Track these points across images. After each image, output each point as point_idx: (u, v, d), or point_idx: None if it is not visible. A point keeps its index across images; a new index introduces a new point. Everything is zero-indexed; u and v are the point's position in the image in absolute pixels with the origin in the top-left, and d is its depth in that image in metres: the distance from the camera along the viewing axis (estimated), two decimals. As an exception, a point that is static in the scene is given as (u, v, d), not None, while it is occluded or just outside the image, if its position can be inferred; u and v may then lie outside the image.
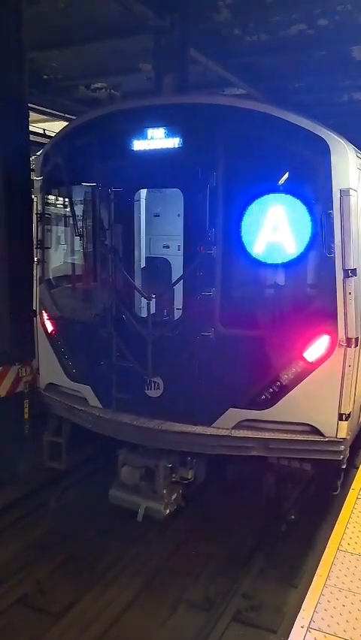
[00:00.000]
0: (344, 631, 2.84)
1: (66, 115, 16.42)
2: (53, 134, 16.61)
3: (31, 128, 10.01)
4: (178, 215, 5.59)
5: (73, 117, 17.14)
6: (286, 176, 4.83)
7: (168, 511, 5.25)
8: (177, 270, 5.85)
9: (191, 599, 5.06)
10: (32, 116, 12.30)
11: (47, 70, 12.42)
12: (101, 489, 5.84)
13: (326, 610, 2.99)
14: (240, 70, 12.26)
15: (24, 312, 7.16)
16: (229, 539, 5.82)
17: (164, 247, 6.49)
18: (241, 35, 10.72)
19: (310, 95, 14.82)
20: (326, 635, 2.81)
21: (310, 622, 2.91)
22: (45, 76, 12.73)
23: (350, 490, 4.35)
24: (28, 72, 8.09)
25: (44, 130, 17.88)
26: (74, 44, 10.92)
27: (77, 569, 5.38)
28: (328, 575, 3.29)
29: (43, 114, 15.91)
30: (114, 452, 5.60)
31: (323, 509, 5.28)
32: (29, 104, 8.57)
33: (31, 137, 9.73)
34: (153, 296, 5.27)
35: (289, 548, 5.44)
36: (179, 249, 5.62)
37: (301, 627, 2.87)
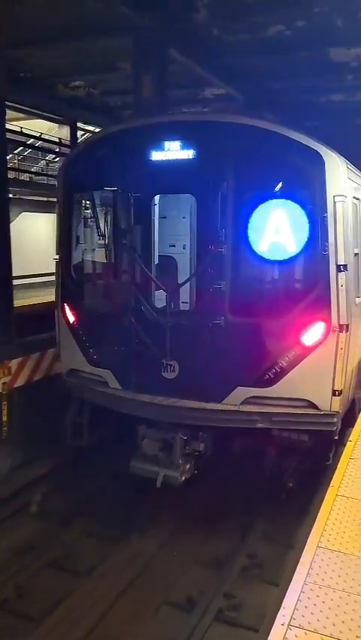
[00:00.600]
0: (324, 627, 2.84)
1: (44, 113, 16.31)
2: (30, 132, 16.46)
3: (7, 126, 9.91)
4: (183, 218, 6.56)
5: (51, 115, 17.12)
6: (280, 185, 5.62)
7: (183, 478, 5.89)
8: (182, 267, 6.65)
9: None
10: (9, 114, 12.23)
11: (24, 68, 12.29)
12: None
13: (306, 607, 3.00)
14: (219, 70, 12.29)
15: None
16: (234, 506, 6.65)
17: (170, 246, 7.05)
18: (219, 35, 10.73)
19: (289, 96, 14.93)
20: (307, 631, 2.81)
21: (290, 619, 2.90)
22: (22, 74, 12.59)
23: (330, 487, 4.37)
24: (4, 70, 8.02)
25: (21, 128, 17.74)
26: (52, 42, 10.84)
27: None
28: (308, 572, 3.29)
29: (20, 112, 15.79)
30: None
31: (317, 481, 5.86)
32: (6, 102, 8.49)
33: (8, 135, 9.64)
34: (165, 288, 6.07)
35: (289, 514, 6.25)
36: (184, 248, 6.55)
37: (282, 625, 2.87)
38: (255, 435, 5.96)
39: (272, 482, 6.30)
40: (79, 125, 18.90)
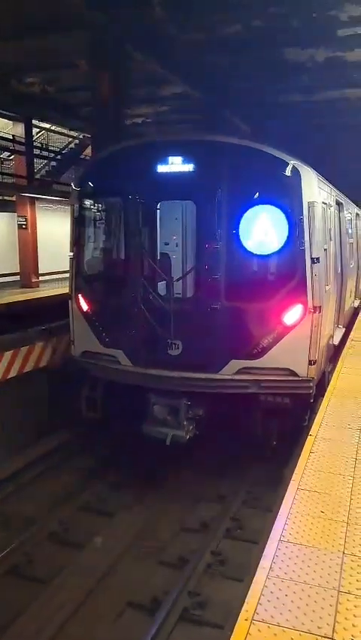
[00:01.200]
0: (287, 620, 2.85)
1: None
2: None
3: None
4: (176, 219, 7.63)
5: (4, 112, 16.83)
6: (257, 194, 6.70)
7: (188, 437, 6.94)
8: (174, 262, 7.72)
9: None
10: None
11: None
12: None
13: (269, 601, 3.00)
14: (177, 68, 12.30)
15: None
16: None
17: (165, 244, 7.83)
18: (177, 34, 10.74)
19: (248, 96, 15.05)
20: (270, 625, 2.82)
21: (253, 614, 2.90)
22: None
23: (291, 480, 4.42)
24: None
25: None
26: (5, 39, 10.65)
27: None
28: (270, 567, 3.30)
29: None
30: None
31: (295, 442, 6.51)
32: None
33: None
34: (168, 280, 7.14)
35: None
36: (177, 246, 7.65)
37: (245, 620, 2.86)
38: (245, 400, 6.97)
39: (259, 441, 7.38)
40: (34, 122, 18.66)
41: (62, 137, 22.80)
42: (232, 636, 2.77)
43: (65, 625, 4.80)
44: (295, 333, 6.63)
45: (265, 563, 3.35)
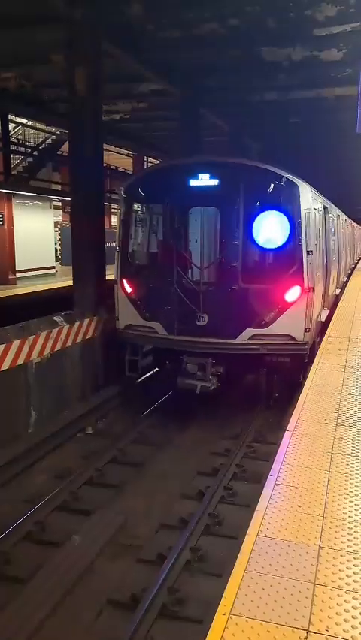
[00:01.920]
0: (264, 613, 2.89)
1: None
2: None
3: None
4: (195, 220, 9.04)
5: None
6: (266, 203, 8.62)
7: (212, 388, 8.66)
8: (195, 254, 9.13)
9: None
10: None
11: None
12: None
13: (246, 595, 3.04)
14: (155, 65, 12.29)
15: None
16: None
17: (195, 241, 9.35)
18: (154, 30, 10.73)
19: (225, 93, 15.11)
20: (247, 619, 2.85)
21: (231, 608, 2.93)
22: None
23: (269, 476, 4.46)
24: None
25: None
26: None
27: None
28: (248, 561, 3.34)
29: None
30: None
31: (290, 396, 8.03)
32: None
33: None
34: (198, 267, 8.94)
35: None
36: (196, 241, 9.04)
37: (223, 615, 2.89)
38: (255, 360, 8.89)
39: (263, 393, 9.48)
40: (10, 117, 18.45)
41: (39, 132, 22.61)
42: (209, 630, 2.80)
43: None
44: (294, 308, 8.51)
45: (242, 558, 3.39)
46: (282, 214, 8.52)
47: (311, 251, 8.68)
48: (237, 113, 17.78)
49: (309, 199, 8.94)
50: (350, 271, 22.45)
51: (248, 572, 3.23)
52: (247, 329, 8.57)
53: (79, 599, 4.84)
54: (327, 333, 10.34)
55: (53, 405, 8.82)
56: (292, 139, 22.01)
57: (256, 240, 8.61)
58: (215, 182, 8.62)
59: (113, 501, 6.55)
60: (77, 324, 9.54)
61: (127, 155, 27.97)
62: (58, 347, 8.95)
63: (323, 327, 10.64)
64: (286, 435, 5.34)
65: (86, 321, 9.83)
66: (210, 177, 8.63)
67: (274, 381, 9.25)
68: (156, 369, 10.49)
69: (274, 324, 8.53)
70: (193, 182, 8.70)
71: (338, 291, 15.48)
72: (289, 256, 8.60)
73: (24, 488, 6.83)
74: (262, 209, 8.58)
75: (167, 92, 14.05)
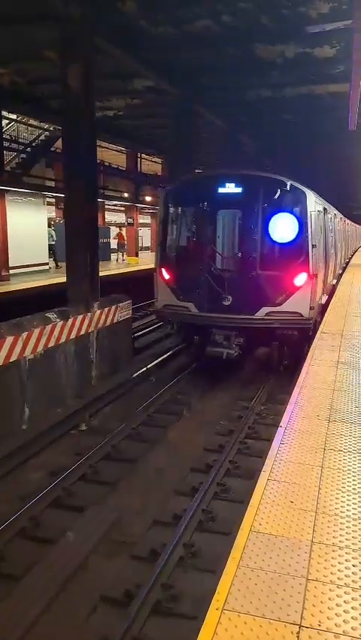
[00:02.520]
0: (257, 608, 2.91)
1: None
2: None
3: None
4: (222, 220, 10.87)
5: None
6: (273, 206, 10.44)
7: (235, 355, 10.49)
8: (222, 247, 11.02)
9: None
10: None
11: None
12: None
13: (239, 590, 3.06)
14: (149, 62, 12.25)
15: None
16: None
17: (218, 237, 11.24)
18: (147, 27, 10.70)
19: (218, 91, 15.08)
20: (240, 614, 2.87)
21: (224, 604, 2.95)
22: None
23: (262, 472, 4.48)
24: None
25: None
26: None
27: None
28: (241, 557, 3.36)
29: None
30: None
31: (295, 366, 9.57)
32: None
33: None
34: (225, 257, 10.89)
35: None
36: (222, 237, 10.90)
37: (216, 609, 2.91)
38: (268, 333, 10.77)
39: (275, 361, 11.46)
40: (4, 114, 18.35)
41: (32, 128, 22.51)
42: (203, 626, 2.82)
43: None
44: (301, 290, 10.26)
45: (235, 553, 3.41)
46: (292, 215, 10.39)
47: (315, 245, 10.63)
48: (231, 110, 17.76)
49: (313, 203, 10.88)
50: (344, 265, 25.23)
51: (241, 568, 3.25)
52: (263, 307, 10.37)
53: (73, 595, 4.86)
54: (320, 329, 10.38)
55: (46, 401, 8.81)
56: (288, 136, 22.03)
57: (271, 235, 10.40)
58: (239, 190, 10.50)
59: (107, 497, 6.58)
60: (70, 320, 9.54)
61: (120, 151, 27.91)
62: (52, 343, 8.95)
63: (323, 309, 12.38)
64: (279, 431, 5.36)
65: (80, 317, 9.83)
66: (235, 186, 10.50)
67: (284, 351, 11.34)
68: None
69: (286, 303, 10.33)
70: (221, 190, 10.57)
71: (334, 282, 17.44)
72: (297, 249, 10.39)
73: (18, 485, 6.83)
74: (276, 212, 10.37)
75: (160, 88, 14.03)
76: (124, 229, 32.82)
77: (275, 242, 10.47)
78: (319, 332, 10.06)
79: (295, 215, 10.35)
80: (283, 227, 10.36)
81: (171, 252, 11.52)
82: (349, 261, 29.02)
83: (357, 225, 38.46)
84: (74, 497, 6.49)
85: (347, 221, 28.40)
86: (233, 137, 20.24)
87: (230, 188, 10.51)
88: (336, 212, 19.32)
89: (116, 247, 31.23)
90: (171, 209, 11.56)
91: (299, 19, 10.05)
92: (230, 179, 10.63)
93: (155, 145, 25.94)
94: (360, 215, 50.37)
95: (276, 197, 10.34)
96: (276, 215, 10.34)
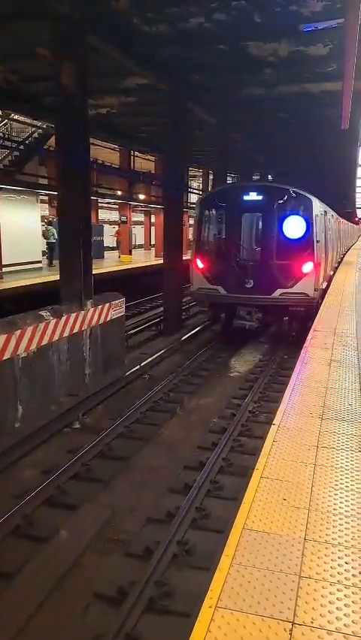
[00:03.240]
0: (250, 606, 2.92)
1: None
2: None
3: None
4: (246, 220, 13.48)
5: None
6: (286, 210, 13.09)
7: (256, 326, 13.71)
8: (246, 242, 13.70)
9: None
10: None
11: None
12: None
13: (232, 588, 3.06)
14: (141, 60, 12.22)
15: None
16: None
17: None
18: (140, 25, 10.67)
19: (211, 88, 15.07)
20: (233, 612, 2.88)
21: (217, 601, 2.96)
22: None
23: (255, 470, 4.49)
24: None
25: None
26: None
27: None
28: (234, 554, 3.37)
29: None
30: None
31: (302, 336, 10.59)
32: None
33: None
34: (249, 250, 13.69)
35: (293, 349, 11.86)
36: (242, 235, 13.51)
37: (209, 607, 2.92)
38: (281, 309, 13.48)
39: (286, 333, 14.70)
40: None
41: (24, 126, 22.41)
42: (196, 623, 2.83)
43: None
44: (308, 276, 12.77)
45: (228, 550, 3.41)
46: (301, 217, 12.97)
47: (319, 240, 13.35)
48: (224, 108, 17.76)
49: (317, 207, 13.64)
50: (339, 259, 28.29)
51: (234, 565, 3.26)
52: (278, 289, 12.94)
53: (67, 593, 4.86)
54: (313, 327, 10.40)
55: (39, 399, 8.81)
56: (281, 134, 22.05)
57: (284, 233, 12.97)
58: (260, 197, 13.23)
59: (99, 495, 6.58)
60: (64, 318, 9.52)
61: (114, 149, 27.85)
62: (45, 342, 8.93)
63: (323, 292, 14.22)
64: (272, 428, 5.37)
65: (73, 315, 9.82)
66: (257, 194, 13.30)
67: (293, 325, 14.45)
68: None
69: (295, 286, 12.86)
70: (245, 197, 13.37)
71: (331, 272, 19.53)
72: (305, 243, 12.93)
73: (11, 483, 6.82)
74: (289, 214, 13.02)
75: (153, 86, 14.00)
76: (119, 226, 32.91)
77: (288, 238, 12.99)
78: (312, 330, 10.09)
79: (303, 217, 12.95)
80: (293, 227, 12.94)
81: (204, 246, 14.17)
82: (341, 260, 29.77)
83: (349, 223, 41.43)
84: (68, 495, 6.48)
85: (342, 220, 30.27)
86: (226, 135, 20.23)
87: (252, 196, 13.32)
88: (333, 213, 22.01)
89: (115, 244, 32.40)
90: (205, 212, 14.26)
91: (292, 17, 10.06)
92: (253, 189, 13.74)
93: (148, 143, 25.91)
94: (351, 213, 51.94)
95: (289, 203, 13.04)
96: (289, 217, 13.02)
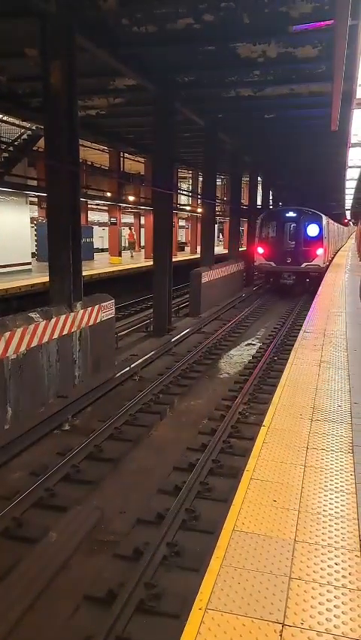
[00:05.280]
0: (240, 607, 2.92)
1: None
2: None
3: None
4: (287, 227, 25.16)
5: None
6: (308, 221, 25.58)
7: (292, 282, 25.35)
8: (287, 238, 25.43)
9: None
10: None
11: None
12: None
13: (222, 589, 3.07)
14: (130, 60, 12.19)
15: None
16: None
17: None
18: (129, 25, 10.65)
19: (199, 89, 15.09)
20: (223, 613, 2.88)
21: (207, 603, 2.96)
22: None
23: (245, 471, 4.50)
24: None
25: None
26: None
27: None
28: (224, 556, 3.37)
29: None
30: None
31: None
32: None
33: None
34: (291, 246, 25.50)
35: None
36: (285, 235, 25.13)
37: (199, 609, 2.92)
38: (305, 275, 24.95)
39: (305, 290, 24.79)
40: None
41: (13, 127, 22.27)
42: (186, 625, 2.82)
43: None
44: (319, 256, 24.37)
45: (218, 552, 3.42)
46: (316, 225, 24.49)
47: (325, 237, 24.72)
48: (212, 108, 17.79)
49: (324, 219, 25.18)
50: (336, 251, 40.98)
51: (224, 567, 3.26)
52: (304, 263, 24.32)
53: (56, 595, 4.83)
54: (303, 329, 10.44)
55: (29, 401, 8.77)
56: (269, 135, 22.12)
57: (307, 233, 24.36)
58: (294, 214, 24.77)
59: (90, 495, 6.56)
60: (53, 319, 9.48)
61: (103, 150, 27.80)
62: (34, 343, 8.89)
63: (328, 266, 25.29)
64: (262, 430, 5.38)
65: (63, 316, 9.78)
66: (293, 213, 24.97)
67: (311, 283, 24.04)
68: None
69: (313, 261, 24.27)
70: (286, 214, 24.95)
71: (332, 255, 31.89)
72: (318, 238, 24.32)
73: (0, 485, 6.77)
74: (309, 223, 24.49)
75: (142, 87, 13.98)
76: (133, 228, 42.39)
77: (308, 236, 24.54)
78: (302, 331, 10.13)
79: (317, 224, 24.68)
80: (312, 230, 24.56)
81: (263, 240, 25.46)
82: (340, 248, 45.77)
83: (341, 226, 54.40)
84: (57, 497, 6.45)
85: (335, 223, 39.97)
86: (214, 136, 20.27)
87: (290, 214, 25.09)
88: (330, 220, 31.95)
89: (126, 245, 39.52)
90: (265, 222, 25.57)
91: (281, 18, 10.07)
92: (290, 210, 25.56)
93: (138, 144, 25.89)
94: (340, 214, 54.76)
95: (310, 217, 24.86)
96: (309, 225, 24.64)
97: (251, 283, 28.77)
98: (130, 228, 43.07)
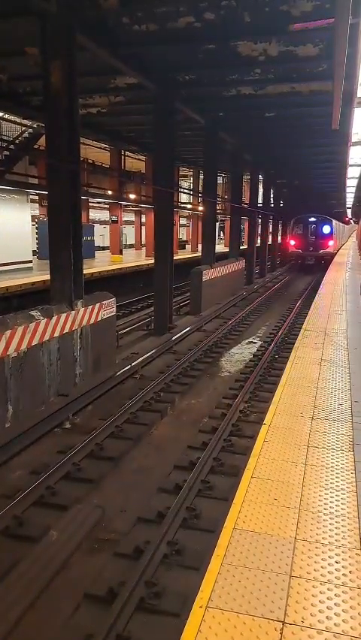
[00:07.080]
0: (240, 605, 2.93)
1: None
2: None
3: None
4: (310, 227, 39.75)
5: None
6: (324, 223, 40.28)
7: (313, 263, 38.69)
8: (311, 234, 39.92)
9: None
10: None
11: None
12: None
13: (223, 587, 3.07)
14: (130, 59, 12.17)
15: None
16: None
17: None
18: (129, 24, 10.64)
19: (200, 88, 15.07)
20: (224, 611, 2.89)
21: (208, 601, 2.97)
22: None
23: (245, 469, 4.51)
24: None
25: None
26: None
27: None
28: (224, 554, 3.37)
29: None
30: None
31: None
32: None
33: None
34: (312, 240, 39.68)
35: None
36: (309, 232, 39.61)
37: (200, 607, 2.93)
38: (322, 258, 37.81)
39: (323, 268, 32.61)
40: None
41: (14, 125, 22.27)
42: (187, 623, 2.83)
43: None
44: (331, 247, 38.30)
45: (219, 551, 3.42)
46: (329, 225, 38.32)
47: (335, 233, 39.28)
48: (213, 107, 17.77)
49: (335, 221, 41.00)
50: (342, 243, 53.81)
51: (225, 565, 3.27)
52: (321, 250, 37.91)
53: (56, 593, 4.84)
54: (303, 327, 10.43)
55: (30, 399, 8.78)
56: (270, 134, 22.09)
57: (323, 231, 38.21)
58: (314, 219, 38.60)
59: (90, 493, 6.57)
60: (54, 318, 9.48)
61: (104, 149, 27.79)
62: (35, 342, 8.89)
63: (336, 252, 41.09)
64: (263, 428, 5.39)
65: (64, 315, 9.78)
66: (315, 218, 38.75)
67: (325, 264, 34.43)
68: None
69: (327, 249, 37.90)
70: (310, 219, 38.63)
71: (339, 246, 44.45)
72: (330, 234, 38.10)
73: (1, 483, 6.78)
74: (324, 224, 38.45)
75: (143, 86, 13.96)
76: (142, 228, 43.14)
77: (324, 233, 37.85)
78: (302, 330, 10.12)
79: (329, 225, 38.06)
80: (326, 229, 37.97)
81: (294, 235, 38.73)
82: (340, 248, 50.02)
83: (343, 225, 64.54)
84: (58, 496, 6.45)
85: (340, 224, 51.32)
86: (215, 135, 20.25)
87: (313, 217, 38.39)
88: (338, 222, 43.77)
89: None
90: (295, 223, 38.64)
91: (282, 17, 10.06)
92: (313, 216, 38.77)
93: (138, 142, 25.87)
94: (341, 213, 59.88)
95: (325, 220, 38.35)
96: (324, 225, 38.14)
97: (283, 265, 43.77)
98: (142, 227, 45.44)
